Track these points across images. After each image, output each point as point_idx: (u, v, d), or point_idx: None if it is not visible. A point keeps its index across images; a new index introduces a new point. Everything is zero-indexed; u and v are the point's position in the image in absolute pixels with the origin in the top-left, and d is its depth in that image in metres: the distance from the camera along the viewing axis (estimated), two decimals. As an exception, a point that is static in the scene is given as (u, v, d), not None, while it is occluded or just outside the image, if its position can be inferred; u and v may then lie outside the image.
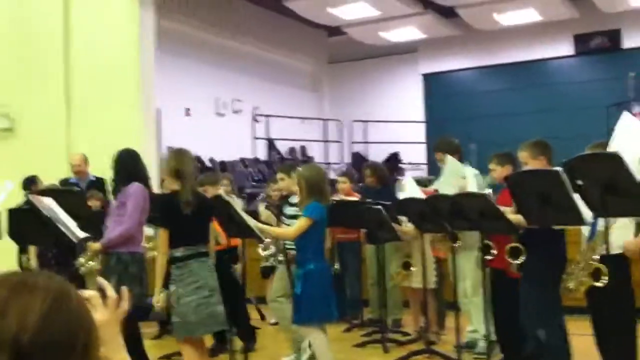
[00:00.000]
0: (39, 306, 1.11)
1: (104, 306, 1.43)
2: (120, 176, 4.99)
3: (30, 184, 7.33)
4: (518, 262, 4.55)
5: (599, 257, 4.06)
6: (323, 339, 4.76)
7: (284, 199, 5.85)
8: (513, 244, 4.61)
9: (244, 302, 5.94)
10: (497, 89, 15.65)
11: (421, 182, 7.47)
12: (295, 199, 5.42)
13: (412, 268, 6.27)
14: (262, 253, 6.14)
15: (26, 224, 5.56)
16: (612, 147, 4.05)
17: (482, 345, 5.65)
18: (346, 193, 7.24)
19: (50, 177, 7.53)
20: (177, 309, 4.20)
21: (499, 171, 5.43)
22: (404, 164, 15.48)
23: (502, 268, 5.28)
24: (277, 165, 12.22)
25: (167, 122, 11.92)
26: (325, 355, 4.73)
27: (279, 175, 5.88)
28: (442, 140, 6.49)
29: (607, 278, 3.84)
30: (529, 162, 4.87)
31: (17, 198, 6.20)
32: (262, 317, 6.82)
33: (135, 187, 4.96)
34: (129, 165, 5.00)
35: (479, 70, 15.96)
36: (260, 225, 4.99)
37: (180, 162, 4.41)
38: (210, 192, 5.68)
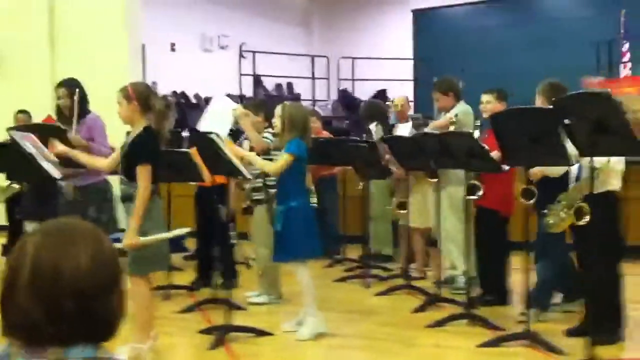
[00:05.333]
0: (85, 254, 1.26)
1: None
2: None
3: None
4: (531, 202, 4.52)
5: (583, 195, 4.06)
6: (308, 275, 4.77)
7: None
8: (526, 186, 4.59)
9: (228, 241, 5.96)
10: (489, 25, 15.39)
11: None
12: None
13: (404, 210, 6.31)
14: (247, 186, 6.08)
15: (10, 159, 5.49)
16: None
17: (460, 280, 5.71)
18: (315, 132, 7.14)
19: (35, 110, 7.47)
20: (146, 244, 4.11)
21: (494, 105, 5.37)
22: (391, 101, 15.33)
23: (490, 207, 5.31)
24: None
25: (152, 57, 11.71)
26: (311, 291, 4.75)
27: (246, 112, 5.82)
28: (442, 79, 6.31)
29: (588, 217, 3.86)
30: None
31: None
32: (247, 264, 6.83)
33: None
34: None
35: (470, 6, 15.70)
36: (247, 153, 4.94)
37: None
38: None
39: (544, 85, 4.72)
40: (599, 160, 4.01)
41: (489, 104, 5.44)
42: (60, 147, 4.51)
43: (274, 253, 4.90)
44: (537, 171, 4.59)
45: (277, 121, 4.77)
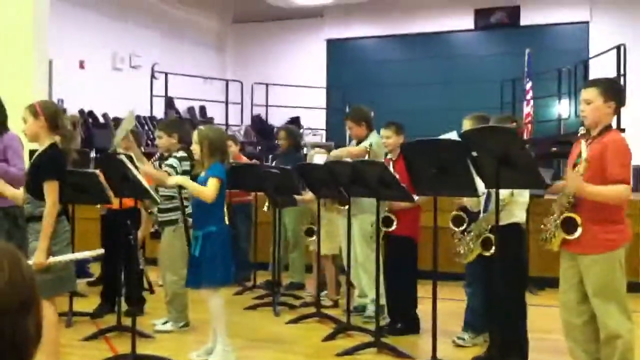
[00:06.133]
0: (1, 273, 1.21)
1: None
2: None
3: None
4: (461, 229, 4.62)
5: (489, 227, 4.19)
6: (221, 303, 4.70)
7: (163, 158, 5.69)
8: (456, 213, 4.69)
9: (137, 266, 5.81)
10: (399, 59, 15.84)
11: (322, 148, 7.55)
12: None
13: (312, 237, 6.39)
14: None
15: None
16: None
17: (370, 309, 5.75)
18: (233, 157, 7.13)
19: None
20: (53, 265, 3.96)
21: (395, 140, 5.53)
22: (304, 128, 15.48)
23: (399, 234, 5.40)
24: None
25: (60, 74, 11.36)
26: (221, 319, 4.66)
27: (158, 134, 5.75)
28: (355, 109, 6.43)
29: (494, 248, 4.00)
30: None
31: None
32: (151, 290, 6.65)
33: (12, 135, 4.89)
34: None
35: (383, 39, 16.09)
36: (180, 178, 4.81)
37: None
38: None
39: (472, 117, 4.87)
40: (504, 193, 4.16)
41: (389, 138, 5.59)
42: None
43: (188, 279, 4.77)
44: (457, 201, 4.75)
45: (195, 147, 4.68)
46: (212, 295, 4.66)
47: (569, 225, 3.59)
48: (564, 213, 3.60)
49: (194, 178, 5.06)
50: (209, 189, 4.53)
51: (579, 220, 3.56)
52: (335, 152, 6.38)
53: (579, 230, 3.55)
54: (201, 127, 4.87)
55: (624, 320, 3.62)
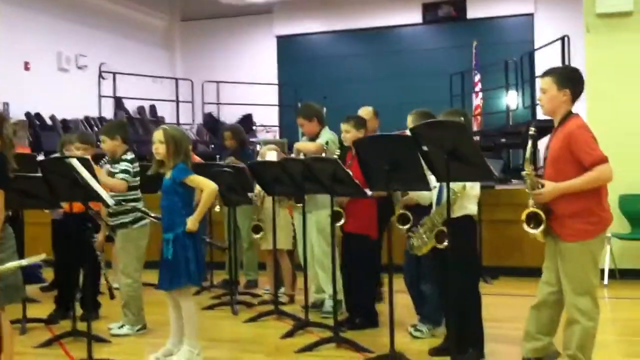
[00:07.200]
0: None
1: None
2: None
3: None
4: (406, 227, 4.67)
5: (443, 220, 4.26)
6: (194, 305, 4.68)
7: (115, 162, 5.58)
8: (402, 212, 4.73)
9: (96, 270, 5.73)
10: (349, 54, 15.92)
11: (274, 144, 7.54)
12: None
13: (259, 234, 6.43)
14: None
15: None
16: None
17: (328, 304, 5.78)
18: None
19: None
20: (2, 274, 3.86)
21: (354, 134, 5.54)
22: (257, 125, 15.46)
23: (357, 232, 5.43)
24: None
25: (4, 76, 11.12)
26: (194, 320, 4.63)
27: (101, 138, 5.64)
28: (305, 106, 6.47)
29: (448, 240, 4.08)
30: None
31: None
32: (111, 295, 6.54)
33: None
34: None
35: (332, 34, 16.15)
36: (194, 223, 4.55)
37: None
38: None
39: (415, 113, 4.92)
40: (457, 185, 4.22)
41: (348, 132, 5.61)
42: None
43: (161, 281, 4.66)
44: (413, 197, 4.81)
45: (160, 146, 4.62)
46: (185, 297, 4.61)
47: (534, 220, 3.69)
48: (529, 208, 3.71)
49: (154, 178, 4.95)
50: (205, 184, 4.55)
51: (542, 215, 3.66)
52: (296, 145, 6.39)
53: (542, 226, 3.66)
54: (165, 126, 4.79)
55: (588, 308, 3.74)
